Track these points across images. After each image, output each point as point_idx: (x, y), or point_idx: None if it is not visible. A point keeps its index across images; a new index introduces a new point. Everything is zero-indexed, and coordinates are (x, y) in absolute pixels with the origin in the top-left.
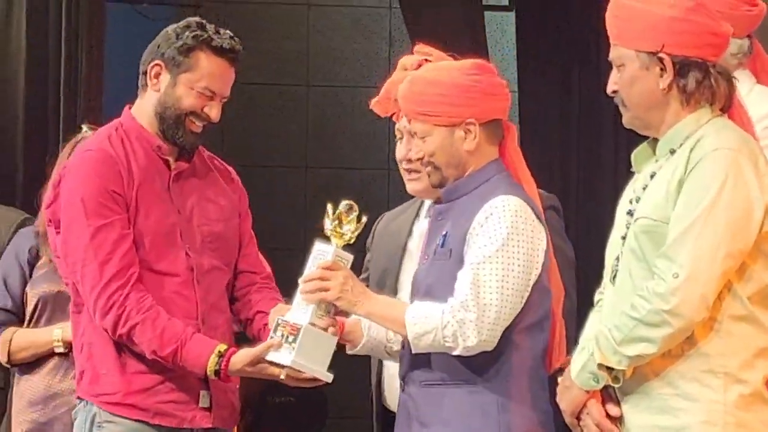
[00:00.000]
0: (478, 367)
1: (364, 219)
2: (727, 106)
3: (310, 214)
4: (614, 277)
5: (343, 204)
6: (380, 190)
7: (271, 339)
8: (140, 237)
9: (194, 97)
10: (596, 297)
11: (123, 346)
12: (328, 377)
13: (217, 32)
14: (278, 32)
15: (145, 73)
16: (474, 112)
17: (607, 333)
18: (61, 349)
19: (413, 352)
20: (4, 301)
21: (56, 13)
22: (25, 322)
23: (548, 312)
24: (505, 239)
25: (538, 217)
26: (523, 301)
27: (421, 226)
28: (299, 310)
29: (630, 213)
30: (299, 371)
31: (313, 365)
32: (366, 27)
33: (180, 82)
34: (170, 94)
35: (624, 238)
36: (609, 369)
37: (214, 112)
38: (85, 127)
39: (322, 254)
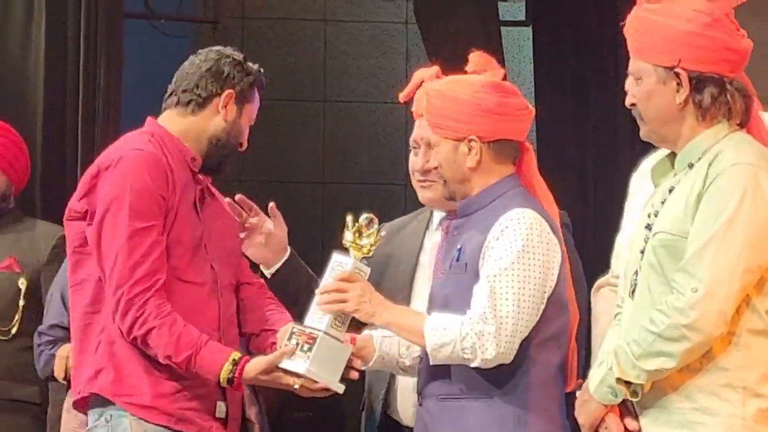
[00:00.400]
0: (496, 380)
1: (384, 233)
2: (745, 121)
3: (326, 229)
4: (633, 291)
5: (364, 217)
6: (397, 205)
7: (285, 346)
8: (174, 245)
9: (244, 132)
10: (614, 311)
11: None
12: (340, 388)
13: (255, 67)
14: (295, 48)
15: (208, 96)
16: (477, 130)
17: (626, 347)
18: None
19: (431, 363)
20: (60, 318)
21: (75, 29)
22: None
23: (565, 327)
24: (521, 251)
25: (554, 231)
26: (539, 313)
27: (433, 239)
28: (315, 319)
29: (648, 227)
30: (313, 380)
31: (327, 375)
32: (383, 43)
33: (244, 114)
34: (237, 124)
35: (642, 252)
36: (627, 383)
37: (245, 141)
38: None
39: (340, 266)
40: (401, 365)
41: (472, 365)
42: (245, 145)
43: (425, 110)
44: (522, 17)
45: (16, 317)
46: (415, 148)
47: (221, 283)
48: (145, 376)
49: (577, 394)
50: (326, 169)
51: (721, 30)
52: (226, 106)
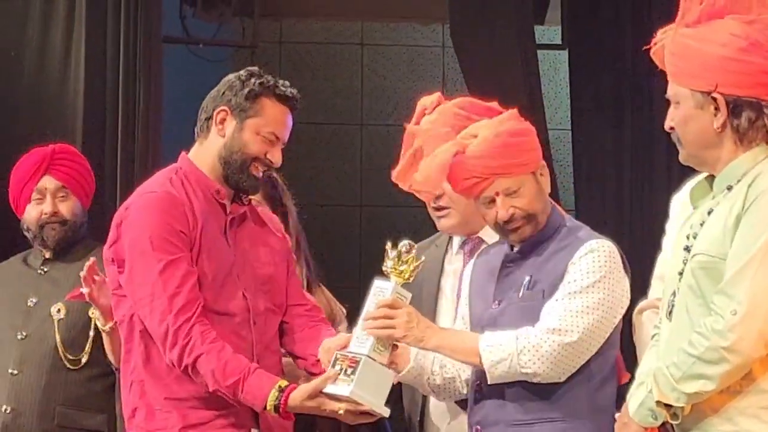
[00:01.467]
0: (565, 404)
1: (423, 258)
2: None
3: (364, 251)
4: (670, 312)
5: (403, 243)
6: (432, 229)
7: (329, 372)
8: (202, 277)
9: (260, 142)
10: (652, 332)
11: (177, 381)
12: (386, 411)
13: (276, 80)
14: (332, 72)
15: (207, 119)
16: (540, 154)
17: (666, 370)
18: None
19: (489, 382)
20: None
21: (114, 53)
22: None
23: (614, 359)
24: (601, 278)
25: (624, 262)
26: (605, 338)
27: (453, 263)
28: (358, 344)
29: (687, 249)
30: (358, 403)
31: (371, 398)
32: (420, 66)
33: (246, 127)
34: (237, 138)
35: (681, 273)
36: (667, 406)
37: (276, 156)
38: None
39: (381, 292)
40: (431, 382)
41: (534, 380)
42: (276, 161)
43: (499, 159)
44: (558, 41)
45: (87, 347)
46: None
47: (255, 311)
48: (174, 411)
49: (616, 416)
50: (363, 192)
51: (757, 54)
52: (222, 123)
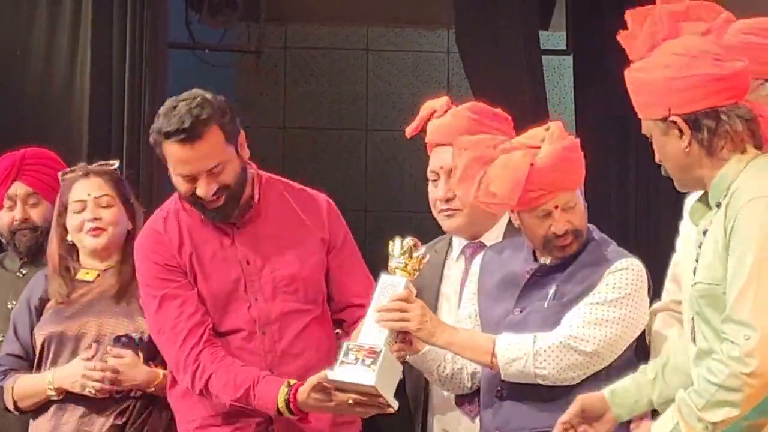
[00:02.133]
0: None
1: (428, 257)
2: (759, 143)
3: (369, 257)
4: (694, 337)
5: (408, 239)
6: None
7: (341, 362)
8: (203, 301)
9: (181, 184)
10: (666, 333)
11: (193, 405)
12: (395, 404)
13: (169, 114)
14: (337, 77)
15: None
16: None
17: (688, 400)
18: (54, 396)
19: (502, 378)
20: (12, 347)
21: (119, 58)
22: (34, 366)
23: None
24: (626, 295)
25: (649, 283)
26: (620, 352)
27: (453, 268)
28: (370, 336)
29: (694, 272)
30: (375, 395)
31: (387, 390)
32: (424, 72)
33: (171, 173)
34: (174, 184)
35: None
36: None
37: (202, 190)
38: (59, 173)
39: (391, 286)
40: (440, 371)
41: (545, 382)
42: (203, 194)
43: (558, 178)
44: (563, 46)
45: None
46: (434, 180)
47: (264, 320)
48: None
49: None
50: (368, 197)
51: (701, 65)
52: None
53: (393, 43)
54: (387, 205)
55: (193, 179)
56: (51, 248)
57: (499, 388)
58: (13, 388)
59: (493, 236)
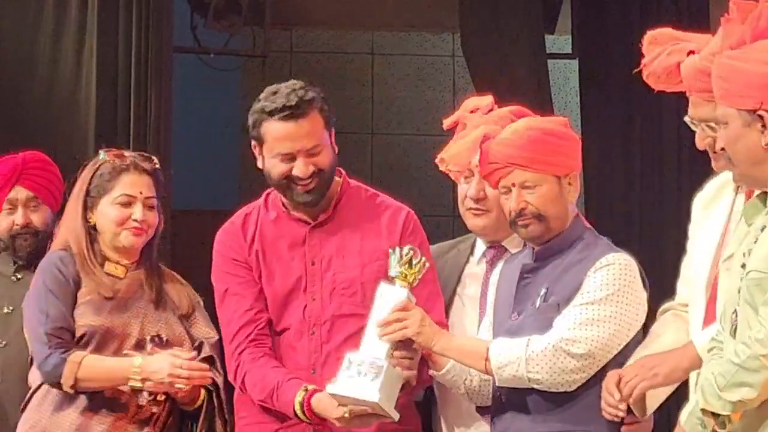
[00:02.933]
0: (587, 415)
1: (428, 264)
2: None
3: None
4: (734, 330)
5: (407, 248)
6: (445, 236)
7: (344, 375)
8: (264, 298)
9: (278, 165)
10: (709, 345)
11: (243, 402)
12: (396, 415)
13: (274, 93)
14: (343, 81)
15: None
16: (576, 165)
17: (712, 379)
18: (137, 386)
19: (497, 384)
20: (63, 321)
21: (125, 62)
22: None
23: None
24: (615, 290)
25: (642, 277)
26: (618, 349)
27: (473, 270)
28: (371, 348)
29: (743, 266)
30: (372, 409)
31: (389, 403)
32: (429, 75)
33: (265, 154)
34: (266, 167)
35: (740, 291)
36: (715, 415)
37: (300, 169)
38: (102, 153)
39: (390, 295)
40: (467, 384)
41: (539, 387)
42: (302, 173)
43: (522, 150)
44: (568, 50)
45: None
46: (467, 177)
47: (315, 320)
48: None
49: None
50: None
51: None
52: (258, 155)
53: (398, 47)
54: None
55: (291, 158)
56: (74, 233)
57: (498, 394)
58: (80, 364)
59: (515, 241)
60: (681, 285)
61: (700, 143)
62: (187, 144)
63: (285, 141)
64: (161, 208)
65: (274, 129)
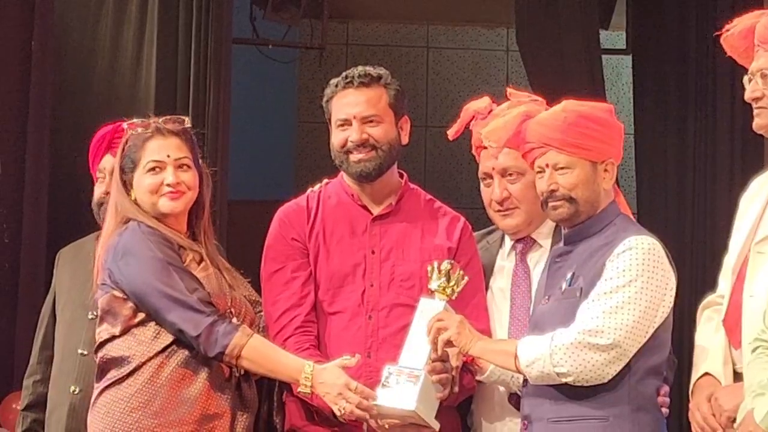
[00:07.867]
0: (605, 403)
1: (467, 278)
2: None
3: None
4: None
5: (446, 263)
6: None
7: (383, 386)
8: (319, 279)
9: (337, 134)
10: (753, 345)
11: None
12: (437, 425)
13: (343, 75)
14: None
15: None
16: (614, 153)
17: None
18: (305, 393)
19: (530, 382)
20: (203, 293)
21: (185, 55)
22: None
23: (663, 364)
24: (637, 275)
25: (669, 259)
26: (647, 336)
27: (503, 262)
28: (410, 359)
29: None
30: (420, 418)
31: (428, 412)
32: (484, 69)
33: (332, 130)
34: (331, 143)
35: None
36: None
37: (353, 135)
38: (125, 126)
39: (431, 309)
40: (515, 382)
41: (568, 380)
42: (355, 139)
43: (558, 132)
44: (622, 45)
45: None
46: (487, 181)
47: (373, 306)
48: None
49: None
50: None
51: None
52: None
53: (453, 41)
54: (445, 201)
55: (348, 124)
56: (130, 211)
57: (525, 379)
58: (248, 342)
59: (544, 233)
60: (721, 278)
61: (749, 95)
62: (244, 134)
63: (344, 107)
64: (202, 167)
65: (338, 99)
